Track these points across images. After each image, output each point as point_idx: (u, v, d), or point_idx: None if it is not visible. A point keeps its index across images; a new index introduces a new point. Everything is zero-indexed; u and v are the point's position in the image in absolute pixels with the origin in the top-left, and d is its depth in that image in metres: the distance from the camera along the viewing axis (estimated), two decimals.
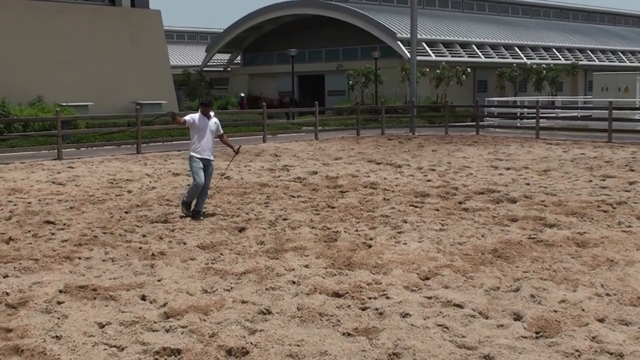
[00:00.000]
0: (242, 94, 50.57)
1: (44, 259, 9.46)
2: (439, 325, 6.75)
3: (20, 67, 33.06)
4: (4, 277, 8.58)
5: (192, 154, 12.58)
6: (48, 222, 12.04)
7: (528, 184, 16.03)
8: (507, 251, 9.58)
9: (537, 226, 11.30)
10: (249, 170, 19.38)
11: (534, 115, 31.57)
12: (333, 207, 13.25)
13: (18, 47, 33.32)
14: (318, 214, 12.62)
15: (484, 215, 12.27)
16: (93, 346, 6.31)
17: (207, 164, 12.65)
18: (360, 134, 31.97)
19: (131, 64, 37.82)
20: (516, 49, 58.76)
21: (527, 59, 56.76)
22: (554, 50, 62.26)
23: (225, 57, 67.49)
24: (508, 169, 19.01)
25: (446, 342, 6.36)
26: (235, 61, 66.89)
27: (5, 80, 31.85)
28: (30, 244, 10.43)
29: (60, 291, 7.95)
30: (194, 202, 12.62)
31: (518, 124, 36.95)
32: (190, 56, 73.13)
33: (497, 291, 7.90)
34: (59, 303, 7.53)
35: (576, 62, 58.48)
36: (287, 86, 52.09)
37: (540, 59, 58.68)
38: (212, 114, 12.77)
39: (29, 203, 14.10)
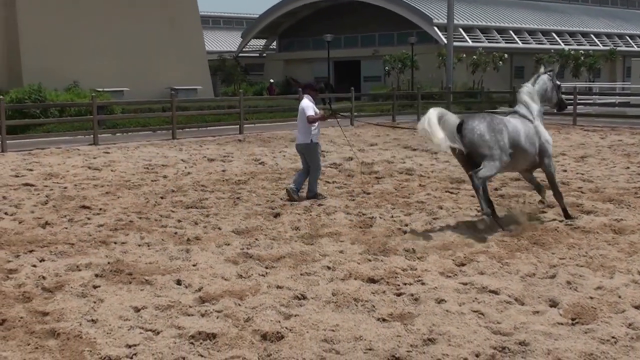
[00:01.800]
0: (272, 80, 50.58)
1: (79, 243, 9.55)
2: (474, 311, 6.69)
3: (57, 53, 33.34)
4: (41, 261, 8.67)
5: (318, 141, 12.76)
6: (84, 207, 12.14)
7: (565, 171, 15.84)
8: (543, 238, 9.47)
9: (573, 213, 11.14)
10: (284, 156, 19.38)
11: (571, 101, 31.15)
12: (368, 193, 13.20)
13: (54, 33, 33.60)
14: (353, 200, 12.58)
15: (520, 202, 12.13)
16: (129, 330, 6.35)
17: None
18: (396, 120, 31.81)
19: (167, 50, 37.99)
20: (554, 34, 58.03)
21: (565, 45, 56.00)
22: (592, 36, 61.37)
23: (261, 42, 67.47)
24: None
25: (481, 328, 6.30)
26: (271, 47, 66.87)
27: (42, 65, 32.14)
28: (66, 228, 10.52)
29: (96, 275, 8.01)
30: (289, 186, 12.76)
31: (555, 110, 36.45)
32: (225, 42, 73.24)
33: (533, 277, 7.82)
34: (94, 287, 7.59)
35: (614, 48, 57.55)
36: (323, 72, 51.95)
37: (578, 45, 57.88)
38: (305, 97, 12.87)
39: (65, 188, 14.23)
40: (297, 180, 12.82)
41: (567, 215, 10.65)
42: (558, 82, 11.55)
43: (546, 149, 10.55)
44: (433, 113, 9.62)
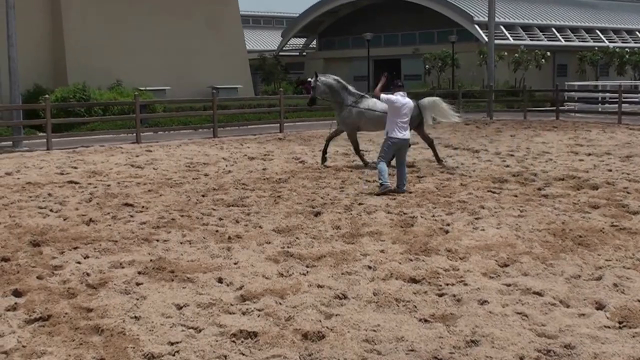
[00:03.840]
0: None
1: (122, 240, 9.63)
2: (518, 313, 6.61)
3: (101, 52, 33.67)
4: (85, 258, 8.76)
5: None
6: (127, 204, 12.25)
7: (610, 170, 15.60)
8: (588, 239, 9.33)
9: (619, 213, 10.97)
10: None
11: (616, 100, 30.71)
12: (410, 192, 13.12)
13: (98, 32, 33.95)
14: (394, 199, 12.52)
15: (564, 202, 11.98)
16: (171, 327, 6.38)
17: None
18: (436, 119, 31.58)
19: (208, 49, 38.18)
20: (598, 32, 57.16)
21: (609, 42, 55.17)
22: (637, 33, 60.34)
23: (301, 41, 67.52)
24: (589, 154, 18.53)
25: (525, 330, 6.22)
26: (311, 45, 66.89)
27: (86, 64, 32.49)
28: (110, 225, 10.62)
29: (139, 272, 8.08)
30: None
31: (599, 109, 35.97)
32: (266, 41, 73.40)
33: (578, 279, 7.71)
34: (137, 284, 7.65)
35: None
36: (363, 70, 51.82)
37: (622, 42, 56.96)
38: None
39: (109, 186, 14.37)
40: (402, 177, 13.30)
41: None
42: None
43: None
44: None
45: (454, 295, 7.15)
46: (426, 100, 17.28)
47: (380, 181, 13.02)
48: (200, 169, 16.83)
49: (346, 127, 17.07)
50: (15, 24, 22.30)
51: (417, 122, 16.38)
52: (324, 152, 17.24)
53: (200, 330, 6.32)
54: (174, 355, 5.84)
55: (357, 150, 17.09)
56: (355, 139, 17.09)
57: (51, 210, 11.80)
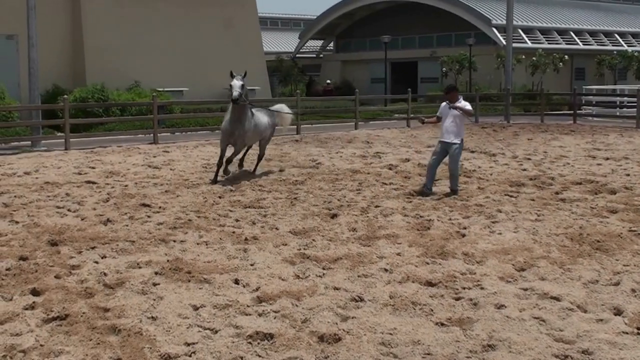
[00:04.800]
0: (328, 81, 50.49)
1: (140, 240, 9.66)
2: (536, 318, 6.58)
3: (119, 53, 33.80)
4: (102, 258, 8.80)
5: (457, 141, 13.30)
6: (144, 204, 12.29)
7: (628, 175, 15.51)
8: (606, 244, 9.28)
9: (637, 218, 10.90)
10: (341, 156, 19.37)
11: (635, 104, 30.51)
12: (427, 196, 13.09)
13: (117, 33, 34.08)
14: (410, 202, 12.50)
15: (582, 206, 11.92)
16: (187, 328, 6.40)
17: (446, 147, 13.26)
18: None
19: (226, 50, 38.22)
20: (616, 36, 56.85)
21: (628, 46, 54.85)
22: None
23: (318, 43, 67.55)
24: (607, 159, 18.44)
25: (543, 335, 6.20)
26: (328, 48, 66.92)
27: (105, 65, 32.63)
28: (127, 225, 10.66)
29: (156, 273, 8.10)
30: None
31: (617, 113, 35.77)
32: (283, 43, 73.53)
33: (596, 284, 7.67)
34: (154, 284, 7.67)
35: None
36: (380, 73, 51.77)
37: None
38: (460, 97, 13.33)
39: (126, 186, 14.43)
40: (431, 177, 13.38)
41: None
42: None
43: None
44: None
45: (471, 299, 7.13)
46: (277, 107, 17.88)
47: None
48: None
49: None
50: (36, 24, 22.44)
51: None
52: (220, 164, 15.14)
53: (216, 332, 6.33)
54: (190, 356, 5.85)
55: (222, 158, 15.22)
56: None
57: (69, 210, 11.86)
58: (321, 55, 66.74)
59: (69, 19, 33.76)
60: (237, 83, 14.57)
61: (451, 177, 13.32)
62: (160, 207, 12.09)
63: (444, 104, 13.38)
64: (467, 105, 13.27)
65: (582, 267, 8.28)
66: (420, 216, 11.21)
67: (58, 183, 14.72)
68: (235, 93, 14.41)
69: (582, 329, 6.30)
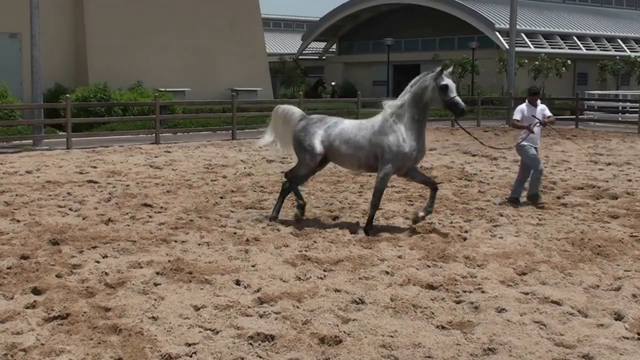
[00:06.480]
0: (333, 83, 50.55)
1: (141, 240, 9.67)
2: (536, 322, 6.59)
3: (122, 53, 33.83)
4: (103, 257, 8.80)
5: (524, 143, 12.62)
6: (145, 204, 12.30)
7: (630, 180, 15.51)
8: (607, 249, 9.28)
9: (639, 224, 10.90)
10: None
11: (637, 109, 30.50)
12: (427, 198, 13.08)
13: (120, 33, 34.12)
14: (412, 205, 12.50)
15: (584, 211, 11.92)
16: (188, 328, 6.40)
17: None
18: (455, 125, 31.52)
19: (229, 51, 38.26)
20: (619, 41, 56.85)
21: (631, 51, 54.84)
22: None
23: (321, 45, 67.57)
24: (609, 164, 18.43)
25: (543, 339, 6.20)
26: (331, 49, 66.93)
27: (107, 65, 32.67)
28: (128, 225, 10.67)
29: (157, 273, 8.11)
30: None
31: (619, 119, 35.75)
32: (286, 44, 73.56)
33: (596, 289, 7.67)
34: (155, 285, 7.68)
35: None
36: (382, 75, 51.84)
37: None
38: (538, 101, 12.78)
39: (127, 186, 14.44)
40: (516, 189, 12.87)
41: (368, 227, 10.39)
42: (445, 82, 10.18)
43: (382, 155, 10.33)
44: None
45: (472, 303, 7.13)
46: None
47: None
48: (219, 170, 16.88)
49: None
50: (39, 23, 22.46)
51: None
52: None
53: (217, 332, 6.34)
54: (191, 356, 5.86)
55: None
56: None
57: (70, 209, 11.88)
58: (324, 57, 66.75)
59: (71, 18, 33.79)
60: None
61: (533, 182, 12.68)
62: (161, 207, 12.10)
63: (525, 107, 12.62)
64: (547, 111, 12.69)
65: (583, 272, 8.28)
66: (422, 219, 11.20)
67: (59, 182, 14.73)
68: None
69: (583, 334, 6.30)
